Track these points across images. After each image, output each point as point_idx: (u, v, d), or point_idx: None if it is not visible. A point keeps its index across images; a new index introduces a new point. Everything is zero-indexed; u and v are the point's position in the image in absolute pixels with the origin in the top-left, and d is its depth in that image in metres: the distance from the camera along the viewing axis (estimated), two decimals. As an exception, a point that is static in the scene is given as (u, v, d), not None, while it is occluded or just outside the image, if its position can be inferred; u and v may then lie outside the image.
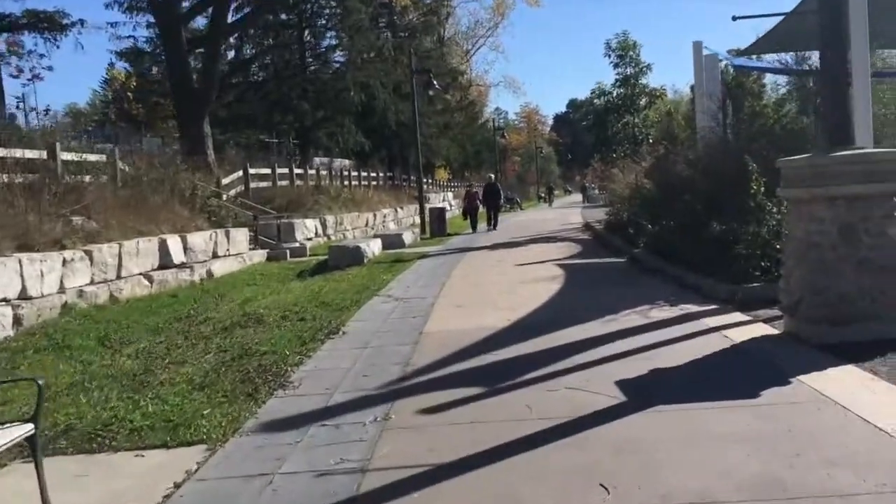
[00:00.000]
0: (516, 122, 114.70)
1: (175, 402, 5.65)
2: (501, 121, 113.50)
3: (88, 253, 10.95)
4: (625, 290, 9.90)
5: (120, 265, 11.79)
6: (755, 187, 9.47)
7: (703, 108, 15.01)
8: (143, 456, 4.69)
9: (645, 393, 5.06)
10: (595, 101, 28.38)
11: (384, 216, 32.36)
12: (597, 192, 48.66)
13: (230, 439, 4.81)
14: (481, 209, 25.80)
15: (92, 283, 10.86)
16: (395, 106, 35.03)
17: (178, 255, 14.05)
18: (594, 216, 25.38)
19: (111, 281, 11.38)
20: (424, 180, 53.09)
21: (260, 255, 18.46)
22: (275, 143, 37.53)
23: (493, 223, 25.14)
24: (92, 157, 15.32)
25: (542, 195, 68.16)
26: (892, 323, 5.96)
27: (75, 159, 14.28)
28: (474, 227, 24.94)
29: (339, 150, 39.13)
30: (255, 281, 14.48)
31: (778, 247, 8.95)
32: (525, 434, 4.42)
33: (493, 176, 26.52)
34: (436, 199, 42.97)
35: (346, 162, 41.54)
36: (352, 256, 16.49)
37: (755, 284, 8.54)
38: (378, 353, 6.99)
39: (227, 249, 16.65)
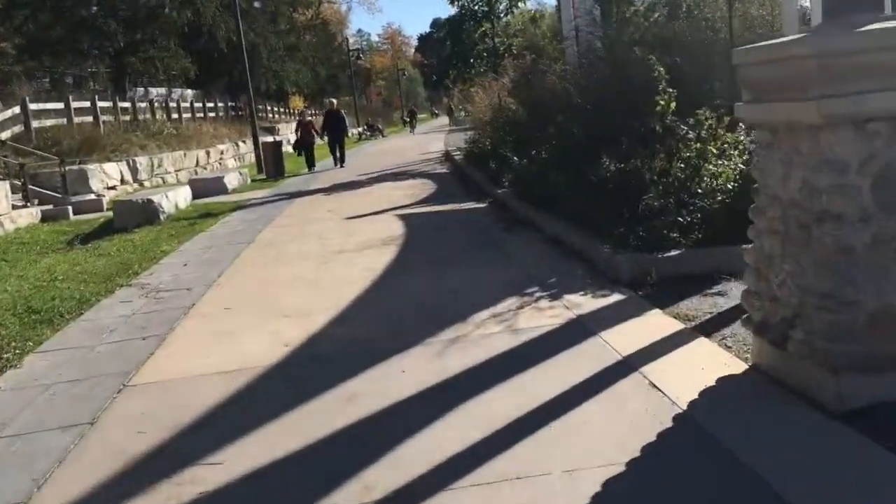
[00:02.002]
0: (379, 45, 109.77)
1: None
2: (364, 43, 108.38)
3: None
4: (482, 263, 6.76)
5: None
6: (663, 103, 6.44)
7: (575, 2, 11.85)
8: None
9: None
10: (449, 7, 24.48)
11: (221, 153, 27.94)
12: (463, 114, 45.24)
13: None
14: (321, 142, 21.74)
15: None
16: (226, 24, 30.11)
17: None
18: (457, 143, 22.05)
19: None
20: (277, 109, 48.29)
21: (30, 216, 14.24)
22: (88, 73, 31.98)
23: (339, 159, 21.25)
24: None
25: (406, 120, 64.33)
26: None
27: None
28: (311, 165, 20.90)
29: (167, 77, 33.93)
30: (3, 255, 10.54)
31: (700, 191, 6.03)
32: None
33: (334, 101, 22.12)
34: (286, 131, 38.56)
35: (189, 92, 36.43)
36: (142, 213, 12.64)
37: (673, 253, 5.59)
38: (-5, 465, 3.54)
39: (-28, 212, 12.43)
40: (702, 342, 4.12)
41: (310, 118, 21.75)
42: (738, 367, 3.70)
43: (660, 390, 3.49)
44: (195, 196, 16.01)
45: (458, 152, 18.43)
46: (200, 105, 31.75)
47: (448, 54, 27.23)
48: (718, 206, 5.90)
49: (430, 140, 31.55)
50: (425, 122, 66.84)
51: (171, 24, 29.29)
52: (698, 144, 6.17)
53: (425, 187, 13.80)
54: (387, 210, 10.97)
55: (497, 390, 3.73)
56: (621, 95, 7.53)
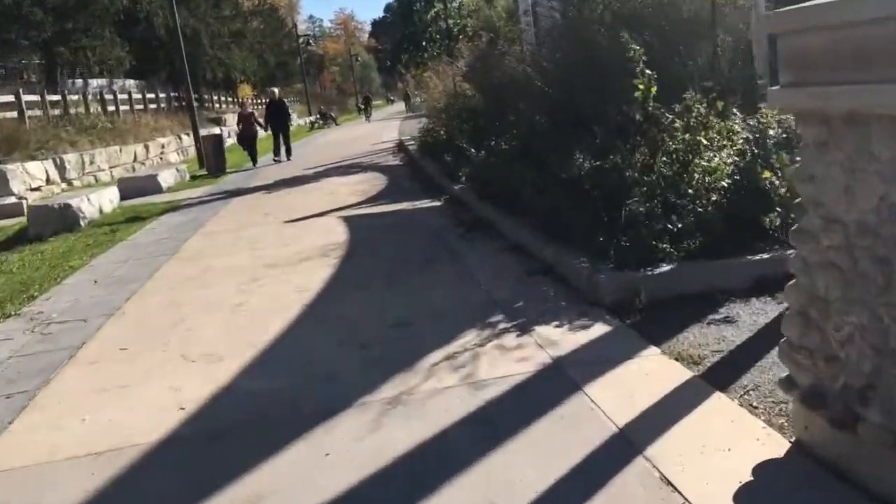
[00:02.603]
0: (332, 31, 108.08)
1: None
2: (317, 29, 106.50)
3: None
4: (435, 282, 5.70)
5: None
6: (643, 87, 5.44)
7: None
8: None
9: None
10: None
11: (162, 147, 26.41)
12: (419, 100, 43.73)
13: None
14: (264, 134, 20.13)
15: None
16: (164, 11, 28.46)
17: None
18: (412, 131, 20.85)
19: None
20: (224, 98, 46.47)
21: (-62, 224, 12.88)
22: (20, 65, 30.17)
23: (284, 152, 19.67)
24: None
25: (360, 107, 62.79)
26: None
27: None
28: (255, 160, 19.29)
29: (106, 68, 32.18)
30: None
31: (690, 191, 5.07)
32: None
33: (276, 90, 20.42)
34: (234, 122, 36.93)
35: (131, 83, 34.67)
36: (60, 220, 11.36)
37: (665, 269, 4.62)
38: None
39: None
40: (719, 401, 3.15)
41: (251, 110, 20.12)
42: (776, 444, 2.73)
43: (677, 491, 2.50)
44: (126, 196, 14.74)
45: (413, 142, 17.33)
46: (140, 96, 30.12)
47: (399, 37, 25.67)
48: (713, 208, 4.96)
49: (385, 128, 30.37)
50: (381, 109, 65.33)
51: (105, 12, 27.57)
52: (687, 135, 5.20)
53: (376, 182, 12.71)
54: (331, 211, 9.88)
55: (450, 491, 2.71)
56: (590, 78, 6.53)
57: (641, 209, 4.77)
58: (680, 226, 4.83)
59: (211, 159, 19.31)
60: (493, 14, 20.50)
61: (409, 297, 5.31)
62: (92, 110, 25.23)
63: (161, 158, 25.69)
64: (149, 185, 15.67)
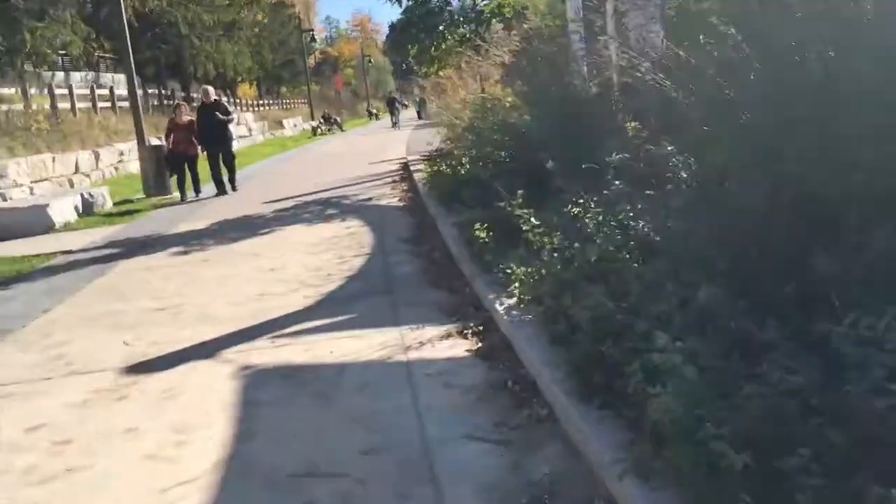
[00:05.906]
0: (349, 32, 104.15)
1: None
2: (333, 30, 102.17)
3: None
4: None
5: None
6: None
7: None
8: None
9: None
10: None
11: (121, 155, 21.19)
12: (434, 107, 38.09)
13: None
14: (203, 155, 13.18)
15: None
16: (127, -10, 23.58)
17: None
18: (423, 146, 15.48)
19: None
20: (224, 98, 41.50)
21: None
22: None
23: (226, 180, 13.42)
24: None
25: (373, 111, 57.73)
26: None
27: None
28: (185, 192, 13.18)
29: (71, 57, 27.43)
30: None
31: None
32: None
33: (210, 89, 13.81)
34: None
35: (121, 77, 30.03)
36: None
37: None
38: None
39: None
40: None
41: (189, 116, 13.38)
42: None
43: None
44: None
45: (422, 166, 12.24)
46: (104, 93, 25.25)
47: (405, 21, 19.81)
48: None
49: (391, 140, 25.24)
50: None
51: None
52: None
53: (352, 248, 7.52)
54: (242, 337, 4.83)
55: None
56: None
57: None
58: None
59: (151, 178, 14.24)
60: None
61: None
62: (35, 106, 20.44)
63: (116, 170, 20.67)
64: (30, 222, 10.63)
